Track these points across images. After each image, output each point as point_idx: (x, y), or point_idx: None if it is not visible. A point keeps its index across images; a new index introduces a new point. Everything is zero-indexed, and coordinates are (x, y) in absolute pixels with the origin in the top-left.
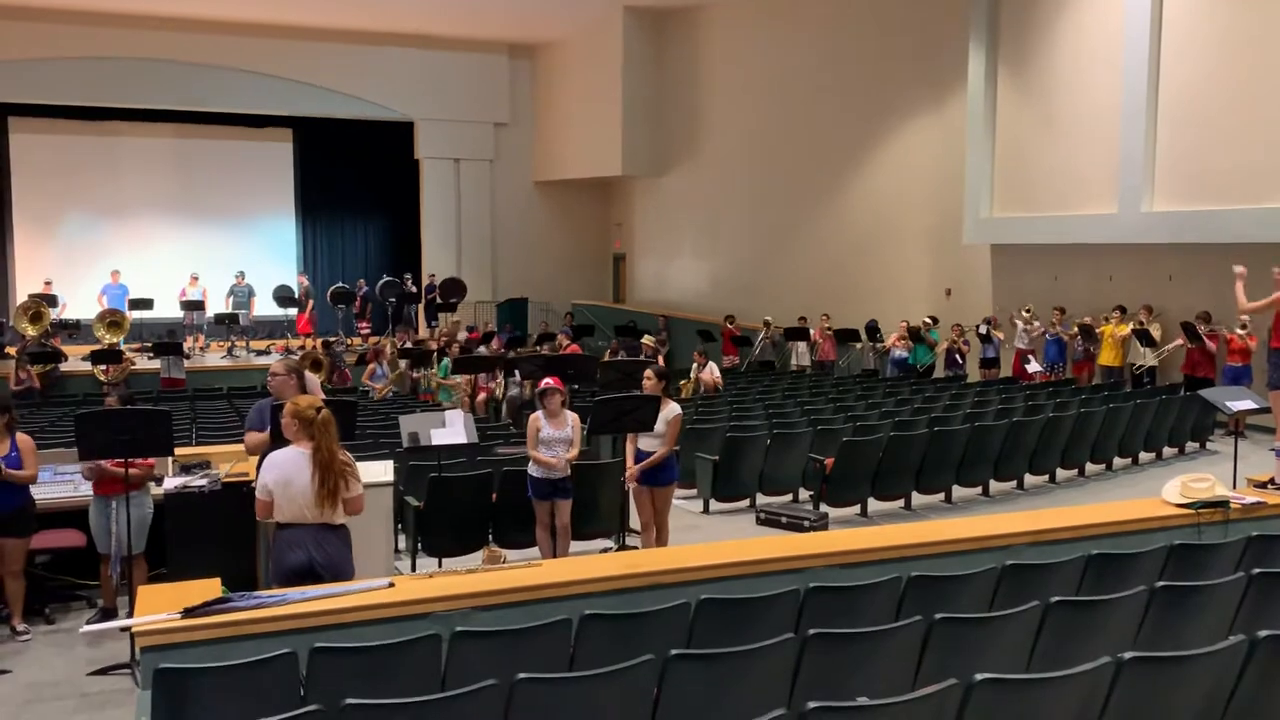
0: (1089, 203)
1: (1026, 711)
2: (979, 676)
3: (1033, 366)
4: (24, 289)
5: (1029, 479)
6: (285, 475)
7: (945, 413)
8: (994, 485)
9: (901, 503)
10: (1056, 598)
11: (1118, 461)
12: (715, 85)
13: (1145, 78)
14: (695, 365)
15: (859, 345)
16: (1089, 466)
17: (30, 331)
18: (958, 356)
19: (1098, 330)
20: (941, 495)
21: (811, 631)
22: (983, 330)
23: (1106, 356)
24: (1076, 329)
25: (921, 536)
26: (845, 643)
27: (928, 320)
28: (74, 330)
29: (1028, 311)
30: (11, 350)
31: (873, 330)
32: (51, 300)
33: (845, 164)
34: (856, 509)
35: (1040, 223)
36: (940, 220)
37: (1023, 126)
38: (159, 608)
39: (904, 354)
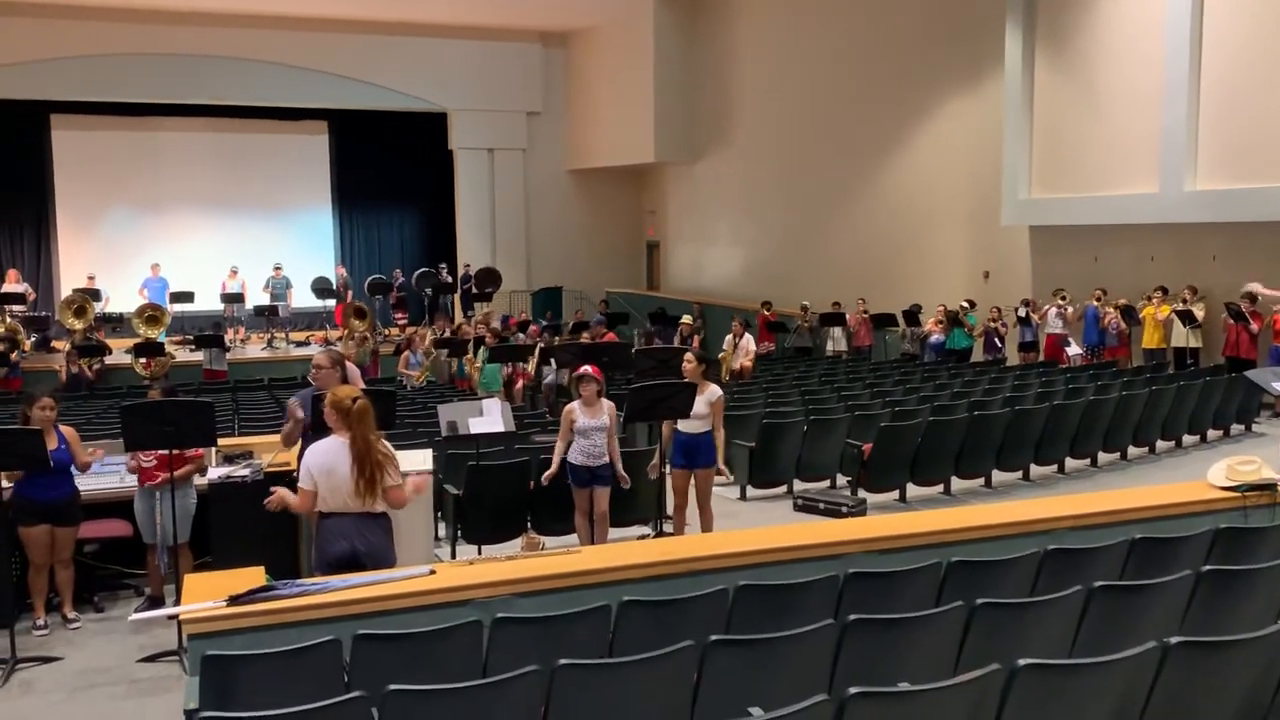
0: (1130, 182)
1: (1071, 697)
2: (1022, 662)
3: (1072, 350)
4: (68, 283)
5: (1070, 463)
6: (328, 465)
7: (984, 397)
8: (1034, 469)
9: (941, 488)
10: (1100, 582)
11: (1161, 444)
12: (748, 69)
13: (1187, 54)
14: (732, 336)
15: (897, 330)
16: (1131, 450)
17: (75, 325)
18: (996, 340)
19: (1140, 313)
20: (981, 480)
21: (852, 617)
22: (1022, 313)
23: (1148, 338)
24: (1114, 308)
25: (962, 521)
26: (886, 628)
27: (965, 304)
28: (117, 324)
29: (1063, 298)
30: (59, 345)
31: (913, 315)
32: (95, 294)
33: (881, 147)
34: (895, 494)
35: (1080, 203)
36: (978, 202)
37: (1061, 106)
38: (205, 596)
39: (940, 338)
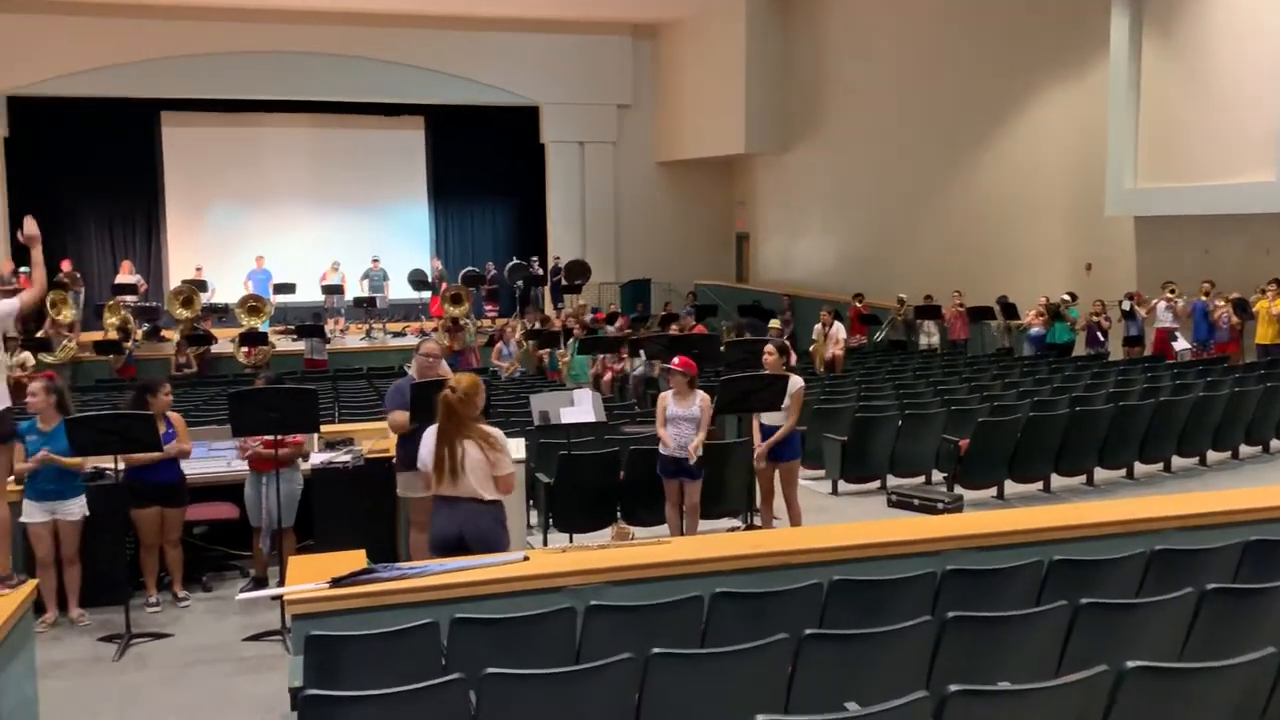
0: (1244, 170)
1: (1183, 702)
2: (1131, 664)
3: (1180, 344)
4: (177, 275)
5: (1177, 461)
6: None
7: (1087, 392)
8: (1139, 468)
9: (1040, 485)
10: (1212, 585)
11: (1275, 444)
12: (841, 57)
13: None
14: (820, 325)
15: (993, 323)
16: (1243, 449)
17: (183, 315)
18: (1099, 334)
19: (1253, 306)
20: (1083, 478)
21: (951, 614)
22: (1126, 306)
23: (1262, 333)
24: (1226, 301)
25: (1063, 520)
26: (986, 626)
27: (1066, 297)
28: (222, 314)
29: (1172, 291)
30: (169, 334)
31: (1011, 307)
32: (202, 285)
33: (978, 136)
34: (993, 491)
35: (1189, 193)
36: (1080, 192)
37: (1170, 92)
38: (308, 578)
39: (1041, 331)
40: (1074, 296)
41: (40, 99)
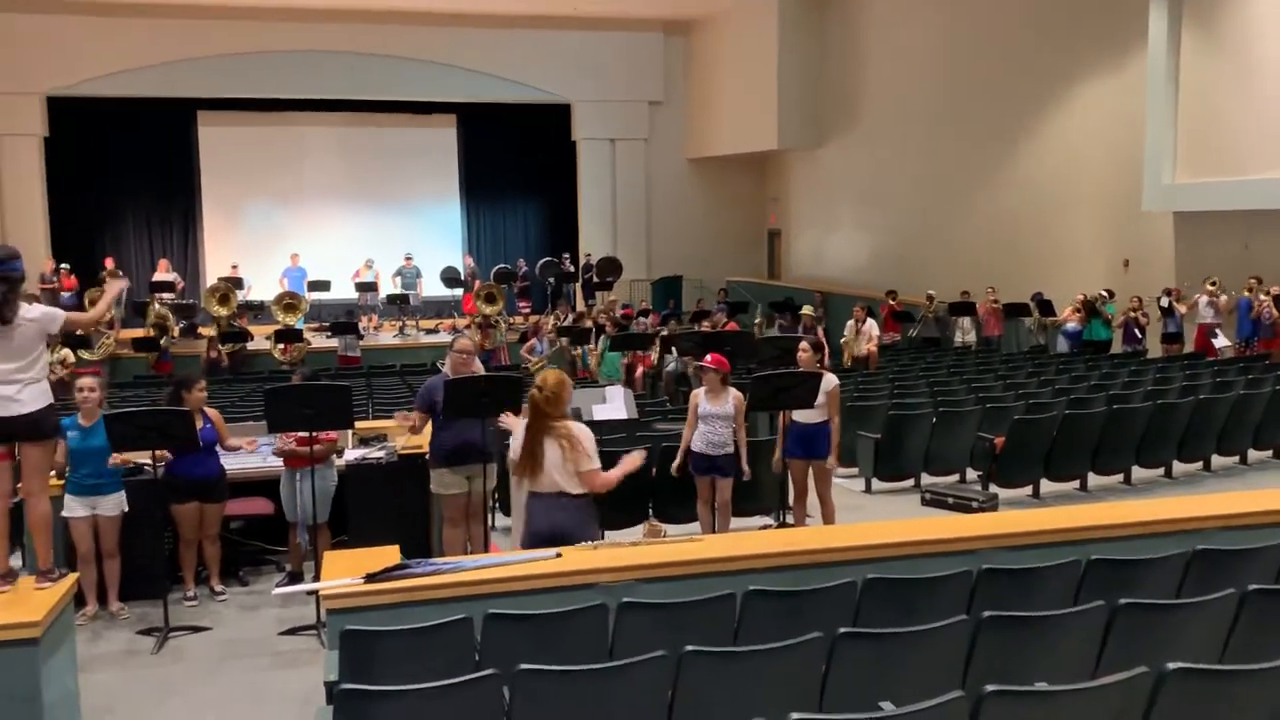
0: None
1: (1225, 705)
2: (1171, 665)
3: (1220, 341)
4: (213, 273)
5: (1217, 460)
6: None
7: (1124, 390)
8: (1178, 466)
9: (1077, 484)
10: (1254, 586)
11: None
12: (876, 52)
13: None
14: (853, 322)
15: (1028, 320)
16: None
17: (220, 312)
18: (1137, 330)
19: None
20: (1120, 476)
21: (987, 614)
22: (1164, 303)
23: None
24: (1267, 296)
25: (1101, 519)
26: (1022, 626)
27: (1103, 293)
28: (258, 311)
29: (1213, 285)
30: (205, 331)
31: (1047, 304)
32: (238, 283)
33: (1014, 131)
34: (1028, 490)
35: (1231, 187)
36: (1118, 188)
37: (1210, 85)
38: (343, 573)
39: (1077, 327)
40: (1111, 293)
41: (79, 99)
